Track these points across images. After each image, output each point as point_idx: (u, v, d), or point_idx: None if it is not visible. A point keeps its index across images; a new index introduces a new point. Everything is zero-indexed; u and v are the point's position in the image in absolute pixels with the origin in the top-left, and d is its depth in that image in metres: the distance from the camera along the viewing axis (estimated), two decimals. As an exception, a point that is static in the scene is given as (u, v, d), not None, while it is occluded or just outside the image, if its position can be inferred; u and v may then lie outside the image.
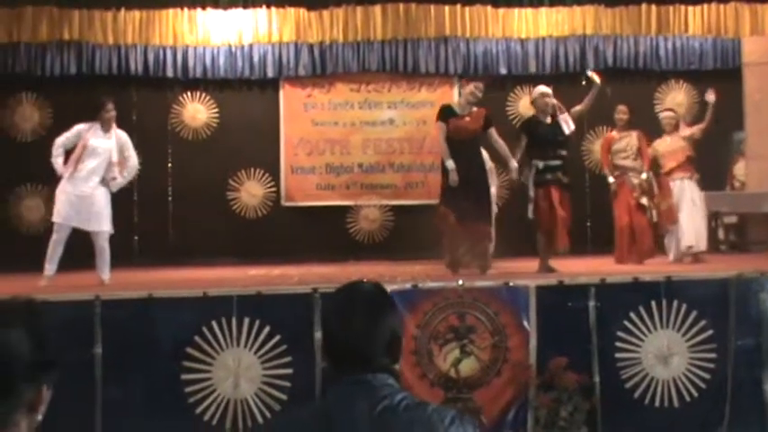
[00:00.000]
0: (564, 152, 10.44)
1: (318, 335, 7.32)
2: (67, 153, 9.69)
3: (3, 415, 1.92)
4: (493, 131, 10.13)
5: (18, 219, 13.71)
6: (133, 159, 10.03)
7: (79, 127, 9.81)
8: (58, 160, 9.66)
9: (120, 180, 9.91)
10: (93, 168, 9.60)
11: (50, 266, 9.52)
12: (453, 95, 14.14)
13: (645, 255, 11.15)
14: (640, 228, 11.23)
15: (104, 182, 9.70)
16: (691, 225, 11.23)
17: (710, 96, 11.68)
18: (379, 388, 2.43)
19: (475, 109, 10.08)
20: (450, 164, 9.64)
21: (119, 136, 9.90)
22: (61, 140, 9.73)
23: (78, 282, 9.66)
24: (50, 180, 10.03)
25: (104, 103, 9.85)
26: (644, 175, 11.25)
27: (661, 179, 11.49)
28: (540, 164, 10.20)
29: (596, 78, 10.73)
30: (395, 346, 2.57)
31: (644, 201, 11.23)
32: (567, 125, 10.35)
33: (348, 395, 2.43)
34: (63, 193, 9.61)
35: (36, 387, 1.98)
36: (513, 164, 10.08)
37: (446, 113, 10.06)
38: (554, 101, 10.52)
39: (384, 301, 2.63)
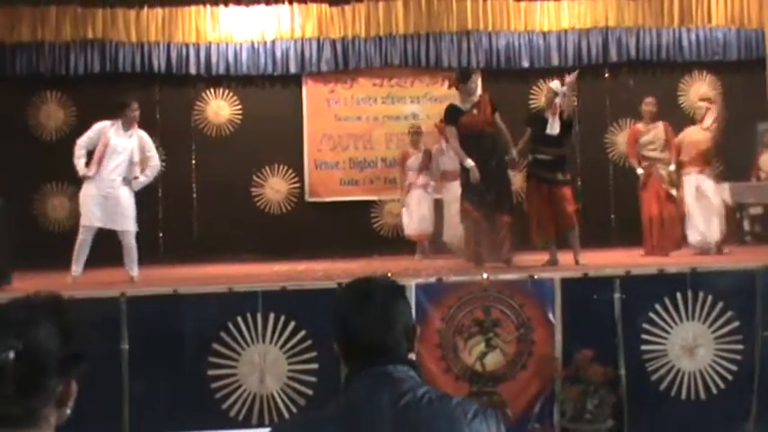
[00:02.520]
0: (556, 149, 10.05)
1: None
2: (89, 153, 9.75)
3: (33, 410, 1.94)
4: (497, 117, 9.99)
5: (43, 217, 13.79)
6: (155, 159, 10.09)
7: (100, 125, 9.84)
8: (80, 161, 9.71)
9: (143, 179, 9.95)
10: (115, 167, 9.64)
11: (77, 267, 9.60)
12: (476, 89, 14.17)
13: (675, 245, 11.11)
14: (670, 218, 11.19)
15: (126, 181, 9.75)
16: (699, 219, 11.15)
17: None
18: (401, 381, 2.44)
19: (477, 99, 9.99)
20: (469, 163, 9.55)
21: (140, 136, 9.94)
22: (83, 141, 9.79)
23: (105, 279, 9.72)
24: (75, 178, 10.07)
25: (130, 103, 9.88)
26: (672, 167, 11.21)
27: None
28: (530, 157, 10.18)
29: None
30: (411, 335, 2.59)
31: (673, 191, 11.19)
32: (551, 125, 10.07)
33: (370, 389, 2.43)
34: (88, 195, 9.66)
35: (65, 381, 2.00)
36: (513, 153, 10.01)
37: (454, 114, 9.92)
38: (559, 99, 10.15)
39: (397, 293, 2.65)
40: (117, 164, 9.66)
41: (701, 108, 11.66)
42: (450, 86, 10.40)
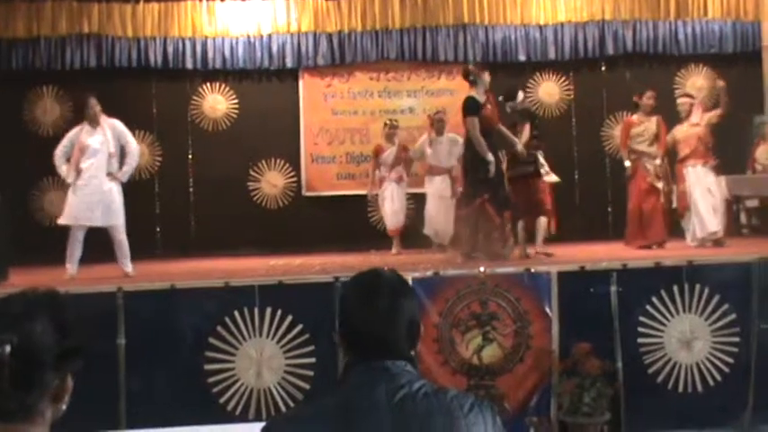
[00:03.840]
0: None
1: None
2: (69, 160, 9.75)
3: (29, 405, 1.94)
4: None
5: (41, 212, 13.79)
6: (133, 144, 9.96)
7: (71, 133, 9.88)
8: (63, 169, 9.72)
9: (127, 168, 9.86)
10: (94, 166, 9.61)
11: (71, 266, 9.58)
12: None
13: (653, 238, 11.11)
14: (650, 211, 11.22)
15: (111, 176, 9.72)
16: (702, 212, 11.12)
17: (720, 82, 11.61)
18: (397, 375, 2.43)
19: (486, 95, 10.08)
20: (490, 156, 9.59)
21: (112, 126, 9.83)
22: (59, 151, 9.78)
23: (102, 274, 9.71)
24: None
25: (87, 100, 9.83)
26: (658, 161, 11.22)
27: (676, 166, 11.45)
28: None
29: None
30: (414, 331, 2.57)
31: (658, 184, 11.19)
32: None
33: (367, 383, 2.42)
34: (73, 195, 9.66)
35: (61, 377, 2.00)
36: (519, 146, 10.22)
37: (476, 106, 9.83)
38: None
39: (405, 287, 2.62)
40: (95, 162, 9.61)
41: (685, 104, 11.63)
42: (465, 77, 10.34)
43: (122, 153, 9.91)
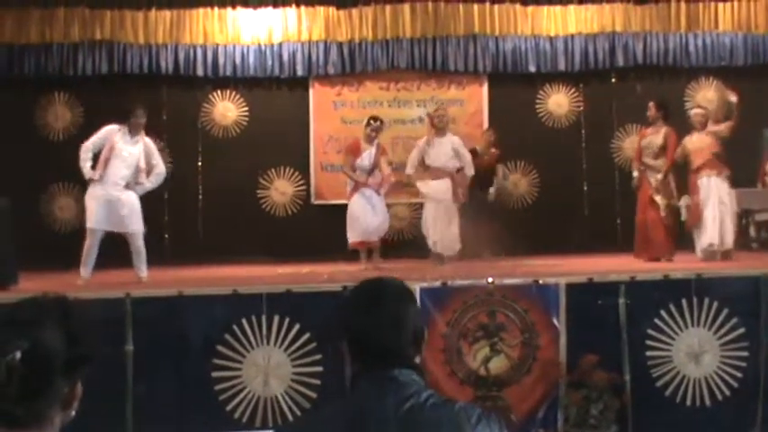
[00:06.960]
0: None
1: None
2: (95, 156, 9.77)
3: (38, 412, 1.95)
4: None
5: (50, 217, 13.80)
6: (160, 167, 10.12)
7: (107, 129, 9.89)
8: (86, 165, 9.74)
9: (148, 185, 9.97)
10: (120, 172, 9.67)
11: (86, 270, 9.61)
12: (483, 93, 14.25)
13: (656, 251, 11.08)
14: (652, 224, 11.20)
15: (130, 186, 9.76)
16: (715, 223, 11.08)
17: (732, 97, 11.57)
18: (405, 385, 2.42)
19: None
20: None
21: (146, 143, 9.99)
22: (89, 144, 9.81)
23: (111, 280, 9.72)
24: (82, 179, 10.05)
25: (135, 109, 9.89)
26: (659, 175, 11.18)
27: (689, 177, 11.41)
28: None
29: None
30: (419, 339, 2.57)
31: (657, 198, 11.17)
32: None
33: (375, 393, 2.41)
34: (93, 198, 9.68)
35: (70, 383, 2.00)
36: None
37: None
38: None
39: (408, 295, 2.63)
40: (122, 168, 9.69)
41: (698, 115, 11.61)
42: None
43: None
